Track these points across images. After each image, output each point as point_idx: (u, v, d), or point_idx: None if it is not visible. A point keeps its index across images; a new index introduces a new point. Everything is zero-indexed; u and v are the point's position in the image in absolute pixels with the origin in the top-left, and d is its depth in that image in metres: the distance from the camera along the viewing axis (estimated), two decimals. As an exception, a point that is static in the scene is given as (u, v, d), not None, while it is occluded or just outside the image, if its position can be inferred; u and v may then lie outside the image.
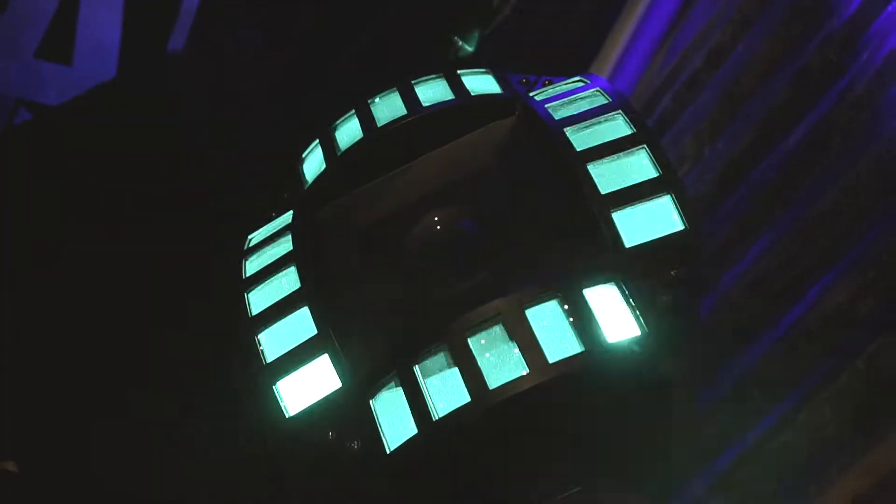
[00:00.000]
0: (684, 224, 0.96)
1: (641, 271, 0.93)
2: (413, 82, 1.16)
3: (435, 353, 0.90)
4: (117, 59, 1.93)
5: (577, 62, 2.40)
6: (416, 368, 0.90)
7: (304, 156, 1.19)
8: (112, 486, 1.34)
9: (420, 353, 0.90)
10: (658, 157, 1.00)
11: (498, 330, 0.89)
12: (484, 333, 0.88)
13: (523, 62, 2.32)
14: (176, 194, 1.78)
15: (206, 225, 1.72)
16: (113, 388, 1.47)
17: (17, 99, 1.87)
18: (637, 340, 0.89)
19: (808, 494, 1.59)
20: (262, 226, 1.16)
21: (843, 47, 1.86)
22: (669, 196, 0.97)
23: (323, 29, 2.09)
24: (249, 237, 1.14)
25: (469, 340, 0.88)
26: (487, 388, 0.87)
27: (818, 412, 1.62)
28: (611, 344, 0.88)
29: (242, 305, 1.04)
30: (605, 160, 1.01)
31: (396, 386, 0.92)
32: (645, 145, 1.01)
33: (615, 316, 0.90)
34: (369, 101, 1.16)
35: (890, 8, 1.80)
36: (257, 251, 1.11)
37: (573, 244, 0.99)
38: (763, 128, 1.96)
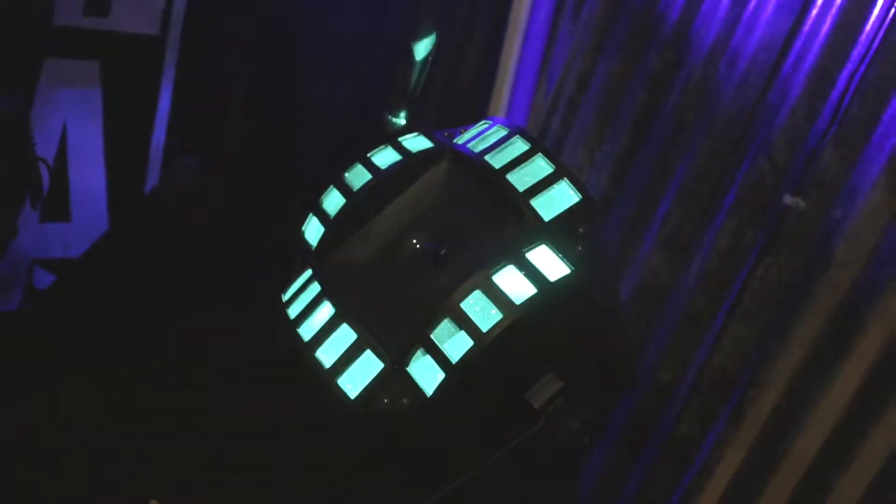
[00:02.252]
0: (579, 196, 1.33)
1: (560, 233, 1.29)
2: (368, 154, 1.49)
3: (441, 322, 1.26)
4: (107, 208, 2.16)
5: (476, 106, 2.70)
6: (433, 336, 1.26)
7: (303, 228, 1.50)
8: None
9: (432, 324, 1.26)
10: (551, 158, 1.37)
11: (478, 293, 1.25)
12: (470, 297, 1.25)
13: (431, 113, 2.58)
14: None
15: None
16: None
17: (31, 260, 2.09)
18: (568, 276, 1.27)
19: (745, 400, 1.86)
20: (288, 286, 1.48)
21: (676, 47, 2.15)
22: (564, 181, 1.35)
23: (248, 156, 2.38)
24: (282, 294, 1.46)
25: (461, 305, 1.25)
26: (482, 332, 1.23)
27: (737, 331, 1.90)
28: (553, 281, 1.26)
29: (297, 338, 1.38)
30: (516, 169, 1.38)
31: (422, 354, 1.27)
32: (539, 153, 1.38)
33: (550, 264, 1.28)
34: (342, 176, 1.49)
35: (703, 7, 2.10)
36: (294, 301, 1.43)
37: (507, 231, 1.35)
38: (634, 125, 2.22)
